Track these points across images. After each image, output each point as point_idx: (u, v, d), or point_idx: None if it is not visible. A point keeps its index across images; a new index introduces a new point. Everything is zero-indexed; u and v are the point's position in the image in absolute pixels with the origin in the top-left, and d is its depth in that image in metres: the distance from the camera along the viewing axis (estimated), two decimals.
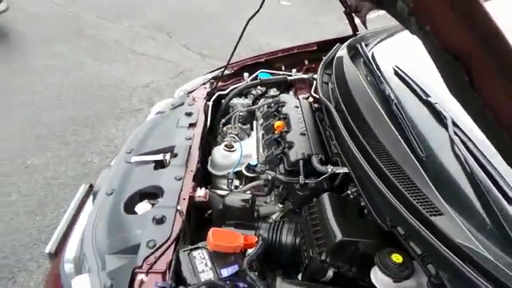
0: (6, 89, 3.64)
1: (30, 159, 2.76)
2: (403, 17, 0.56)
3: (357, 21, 1.93)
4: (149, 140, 1.51)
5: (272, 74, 1.97)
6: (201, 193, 1.23)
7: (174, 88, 3.68)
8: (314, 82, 1.84)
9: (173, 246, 1.02)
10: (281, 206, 1.28)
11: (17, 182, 2.56)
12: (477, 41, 0.43)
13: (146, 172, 1.31)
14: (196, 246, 1.06)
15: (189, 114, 1.59)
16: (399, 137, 1.08)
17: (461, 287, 0.77)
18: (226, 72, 1.90)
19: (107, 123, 3.24)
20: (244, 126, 1.74)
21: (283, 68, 2.03)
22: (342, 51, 1.68)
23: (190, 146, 1.40)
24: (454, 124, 1.09)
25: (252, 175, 1.37)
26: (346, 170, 1.17)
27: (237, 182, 1.40)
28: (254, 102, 1.87)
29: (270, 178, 1.26)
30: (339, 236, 0.94)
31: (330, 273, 0.96)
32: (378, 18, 2.39)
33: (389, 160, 1.00)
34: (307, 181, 1.18)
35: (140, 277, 0.93)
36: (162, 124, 1.61)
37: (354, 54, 1.70)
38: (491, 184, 0.89)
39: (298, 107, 1.57)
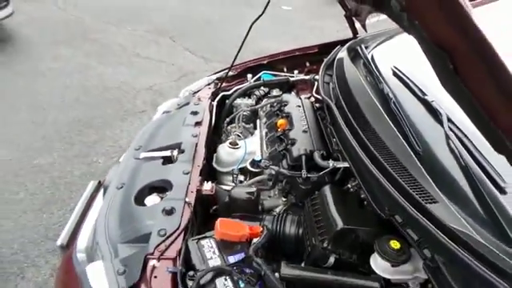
0: (12, 90, 3.71)
1: (36, 159, 2.82)
2: (396, 13, 0.62)
3: (357, 25, 1.99)
4: (156, 137, 1.57)
5: (274, 75, 2.03)
6: (207, 186, 1.29)
7: (177, 90, 3.75)
8: (316, 83, 1.91)
9: (182, 235, 1.07)
10: (284, 199, 1.34)
11: (24, 181, 2.61)
12: (459, 34, 0.49)
13: (155, 167, 1.36)
14: (204, 235, 1.12)
15: (195, 113, 1.65)
16: (397, 132, 1.13)
17: (455, 269, 0.82)
18: (230, 73, 1.96)
19: (112, 124, 3.30)
20: (247, 125, 1.79)
21: (285, 70, 2.09)
22: (343, 53, 1.74)
23: (197, 143, 1.46)
24: (449, 120, 1.15)
25: (256, 170, 1.42)
26: (346, 164, 1.23)
27: (241, 178, 1.46)
28: (257, 102, 1.93)
29: (273, 172, 1.31)
30: (340, 224, 1.00)
31: (332, 259, 1.01)
32: (378, 22, 2.46)
33: (387, 153, 1.05)
34: (309, 175, 1.24)
35: (152, 262, 0.98)
36: (168, 122, 1.67)
37: (354, 55, 1.76)
38: (483, 175, 0.94)
39: (299, 106, 1.62)
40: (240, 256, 1.06)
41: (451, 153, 1.05)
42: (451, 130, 1.11)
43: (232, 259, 1.04)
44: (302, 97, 1.75)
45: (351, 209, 1.10)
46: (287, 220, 1.18)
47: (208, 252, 1.06)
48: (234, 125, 1.78)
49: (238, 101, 1.93)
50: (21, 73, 4.06)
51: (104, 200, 1.31)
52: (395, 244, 0.93)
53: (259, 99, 1.96)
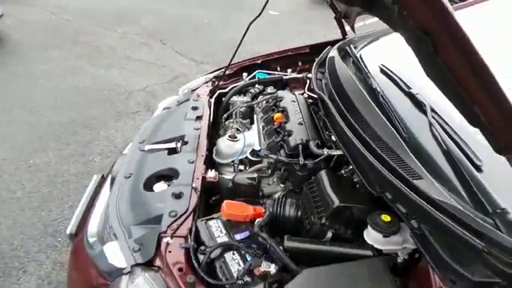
0: (4, 92, 3.73)
1: (32, 159, 2.85)
2: (387, 7, 0.73)
3: (346, 27, 2.12)
4: (159, 131, 1.65)
5: (269, 73, 2.14)
6: (211, 174, 1.39)
7: (169, 92, 3.85)
8: (308, 81, 2.03)
9: (191, 216, 1.16)
10: (282, 185, 1.44)
11: (21, 179, 2.65)
12: (438, 21, 0.61)
13: (161, 157, 1.45)
14: (211, 216, 1.21)
15: (195, 108, 1.74)
16: (386, 121, 1.25)
17: (439, 235, 0.93)
18: (226, 72, 2.05)
19: (106, 125, 3.35)
20: (244, 121, 1.89)
21: (278, 69, 2.20)
22: (334, 52, 1.86)
23: (199, 135, 1.55)
24: (432, 110, 1.27)
25: (256, 159, 1.52)
26: (340, 152, 1.34)
27: (241, 167, 1.55)
28: (253, 100, 2.03)
29: (272, 160, 1.41)
30: (336, 202, 1.11)
31: (329, 234, 1.11)
32: (364, 26, 2.61)
33: (377, 139, 1.17)
34: (306, 162, 1.34)
35: (166, 240, 1.07)
36: (170, 117, 1.76)
37: (344, 54, 1.88)
38: (462, 155, 1.06)
39: (294, 101, 1.73)
40: (245, 234, 1.16)
41: (434, 138, 1.17)
42: (434, 118, 1.24)
43: (238, 237, 1.14)
44: (296, 93, 1.86)
45: (345, 190, 1.20)
46: (286, 203, 1.28)
47: (216, 231, 1.15)
48: (231, 120, 1.87)
49: (234, 98, 2.03)
50: (12, 75, 4.08)
51: (113, 189, 1.39)
52: (386, 217, 1.05)
53: (254, 96, 2.06)
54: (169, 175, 1.38)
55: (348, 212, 1.11)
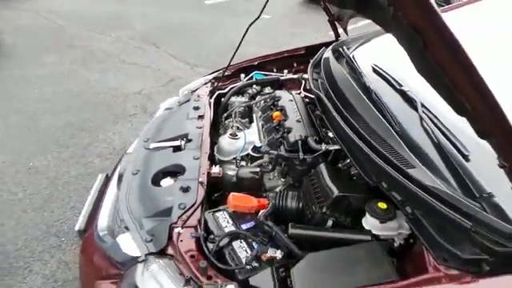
0: (1, 96, 3.74)
1: (31, 161, 2.89)
2: (382, 9, 0.81)
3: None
4: (163, 130, 1.72)
5: (265, 74, 2.21)
6: (216, 169, 1.46)
7: (165, 94, 3.90)
8: (303, 81, 2.11)
9: (199, 208, 1.23)
10: (283, 180, 1.51)
11: (22, 182, 2.68)
12: (428, 21, 0.69)
13: (167, 154, 1.52)
14: (218, 208, 1.28)
15: (196, 108, 1.81)
16: (380, 116, 1.34)
17: (431, 218, 1.01)
18: (225, 73, 2.13)
19: (104, 127, 3.39)
20: (243, 120, 1.96)
21: (275, 70, 2.28)
22: (328, 53, 1.95)
23: (202, 134, 1.62)
24: (423, 105, 1.36)
25: (257, 155, 1.59)
26: (337, 146, 1.42)
27: (243, 163, 1.62)
28: (251, 100, 2.10)
29: (273, 156, 1.49)
30: (336, 192, 1.18)
31: (330, 222, 1.19)
32: (356, 28, 2.70)
33: (373, 133, 1.25)
34: (305, 156, 1.42)
35: (177, 230, 1.13)
36: (172, 117, 1.83)
37: (338, 55, 1.97)
38: (451, 146, 1.15)
39: (292, 100, 1.81)
40: (251, 224, 1.23)
41: (425, 131, 1.26)
42: (424, 113, 1.33)
43: (244, 227, 1.21)
44: (293, 92, 1.94)
45: (344, 181, 1.28)
46: (288, 196, 1.35)
47: (223, 222, 1.22)
48: (230, 119, 1.95)
49: (233, 98, 2.10)
50: (7, 79, 4.10)
51: (121, 185, 1.44)
52: (382, 205, 1.13)
53: (252, 97, 2.13)
54: (174, 171, 1.45)
55: (347, 201, 1.19)
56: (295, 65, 2.28)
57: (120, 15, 6.36)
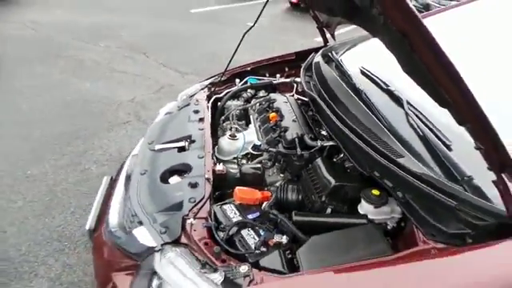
0: None
1: (29, 170, 2.92)
2: (372, 17, 0.94)
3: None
4: (166, 133, 1.81)
5: (259, 79, 2.33)
6: (220, 167, 1.56)
7: (157, 102, 3.99)
8: (295, 84, 2.24)
9: (208, 201, 1.32)
10: (282, 175, 1.62)
11: (20, 190, 2.71)
12: (412, 26, 0.83)
13: (172, 154, 1.61)
14: (224, 202, 1.39)
15: (196, 112, 1.91)
16: (370, 113, 1.47)
17: (420, 201, 1.14)
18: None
19: (98, 135, 3.44)
20: (240, 122, 2.07)
21: (267, 74, 2.40)
22: (318, 58, 2.09)
23: (204, 134, 1.72)
24: (408, 103, 1.50)
25: (257, 153, 1.70)
26: (332, 142, 1.54)
27: (244, 162, 1.73)
28: (246, 103, 2.21)
29: (273, 153, 1.60)
30: (333, 182, 1.30)
31: (329, 210, 1.31)
32: (342, 34, 2.85)
33: (364, 128, 1.38)
34: (303, 152, 1.53)
35: (189, 221, 1.23)
36: (174, 120, 1.92)
37: (327, 60, 2.10)
38: (435, 137, 1.28)
39: (286, 102, 1.93)
40: (256, 214, 1.33)
41: (410, 125, 1.39)
42: (410, 109, 1.46)
43: (250, 217, 1.32)
44: (287, 95, 2.06)
45: (339, 172, 1.40)
46: (288, 189, 1.46)
47: (230, 213, 1.32)
48: (228, 122, 2.05)
49: (229, 102, 2.21)
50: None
51: (131, 184, 1.53)
52: (376, 192, 1.25)
53: (247, 100, 2.25)
54: (181, 170, 1.54)
55: (343, 190, 1.31)
56: (287, 69, 2.41)
57: (107, 25, 6.42)
